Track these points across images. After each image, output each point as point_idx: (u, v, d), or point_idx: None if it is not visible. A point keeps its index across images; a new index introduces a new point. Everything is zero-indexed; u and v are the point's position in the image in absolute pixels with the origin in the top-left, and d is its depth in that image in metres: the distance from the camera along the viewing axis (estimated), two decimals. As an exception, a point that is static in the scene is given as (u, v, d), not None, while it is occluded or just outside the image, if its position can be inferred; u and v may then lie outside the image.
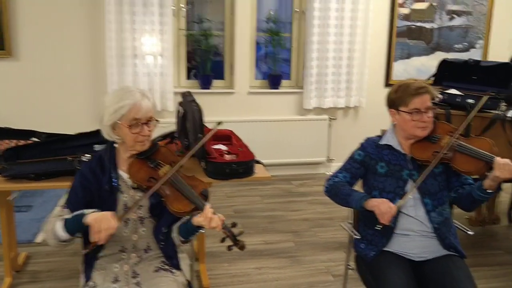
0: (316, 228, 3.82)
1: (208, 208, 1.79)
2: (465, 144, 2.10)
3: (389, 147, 2.22)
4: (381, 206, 2.02)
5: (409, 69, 5.16)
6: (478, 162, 2.04)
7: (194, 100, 2.63)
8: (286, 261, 3.29)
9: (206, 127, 3.23)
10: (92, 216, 1.74)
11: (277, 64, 5.03)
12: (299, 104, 5.06)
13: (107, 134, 1.94)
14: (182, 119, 2.68)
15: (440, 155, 2.09)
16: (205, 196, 1.87)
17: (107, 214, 1.75)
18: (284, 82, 5.11)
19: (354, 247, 2.29)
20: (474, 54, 5.24)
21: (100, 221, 1.72)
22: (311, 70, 4.89)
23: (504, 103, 3.16)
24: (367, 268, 2.14)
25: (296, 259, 3.32)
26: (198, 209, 1.81)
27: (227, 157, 2.65)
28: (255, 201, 4.38)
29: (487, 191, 2.03)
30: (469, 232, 2.23)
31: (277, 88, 5.02)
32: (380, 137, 2.29)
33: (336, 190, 2.22)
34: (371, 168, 2.22)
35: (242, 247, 1.74)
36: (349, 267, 2.40)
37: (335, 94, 5.02)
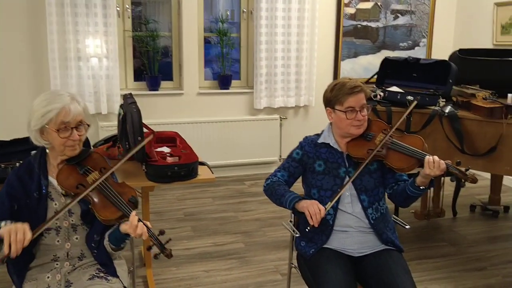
0: (266, 227, 3.82)
1: (133, 216, 1.75)
2: (398, 141, 2.15)
3: (326, 145, 2.25)
4: (310, 208, 2.04)
5: (357, 67, 5.26)
6: (410, 159, 2.09)
7: (134, 102, 2.58)
8: (235, 262, 3.28)
9: (151, 129, 3.19)
10: (5, 228, 1.66)
11: (228, 64, 5.02)
12: (249, 104, 5.06)
13: (35, 139, 1.87)
14: (122, 122, 2.63)
15: (373, 152, 2.13)
16: (133, 203, 1.83)
17: (21, 225, 1.67)
18: (234, 83, 5.10)
19: (295, 245, 2.30)
20: (418, 52, 5.39)
21: (13, 233, 1.64)
22: (260, 70, 4.90)
23: (442, 100, 3.26)
24: (306, 265, 2.15)
25: (245, 259, 3.31)
26: (125, 216, 1.77)
27: (169, 159, 2.62)
28: (207, 203, 4.35)
29: (420, 187, 2.08)
30: (406, 227, 2.28)
31: (227, 89, 5.01)
32: (318, 135, 2.32)
33: (272, 189, 2.24)
34: (309, 167, 2.25)
35: (168, 255, 1.70)
36: (292, 265, 2.41)
37: (285, 93, 5.06)
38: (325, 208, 2.05)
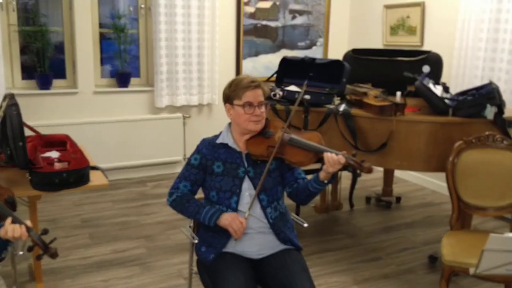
0: (169, 230, 3.72)
1: (8, 219, 1.59)
2: (296, 137, 2.17)
3: (225, 146, 2.21)
4: (233, 225, 2.05)
5: (258, 66, 5.30)
6: (308, 153, 2.12)
7: (14, 104, 2.35)
8: (137, 269, 3.14)
9: (37, 132, 2.95)
10: None
11: (126, 61, 4.81)
12: (150, 103, 4.90)
13: None
14: (2, 125, 2.39)
15: (275, 149, 2.13)
16: (10, 204, 1.67)
17: None
18: (133, 80, 4.91)
19: (196, 250, 2.24)
20: (315, 52, 5.56)
21: None
22: (161, 68, 4.76)
23: (337, 98, 3.38)
24: (206, 272, 2.10)
25: (147, 265, 3.19)
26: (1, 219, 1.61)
27: (57, 165, 2.43)
28: (106, 208, 4.14)
29: (324, 182, 2.12)
30: (304, 225, 2.31)
31: (126, 87, 4.81)
32: (217, 136, 2.27)
33: (182, 206, 2.18)
34: (208, 169, 2.20)
35: (53, 255, 1.58)
36: (193, 271, 2.35)
37: (187, 91, 4.96)
38: (245, 218, 2.08)
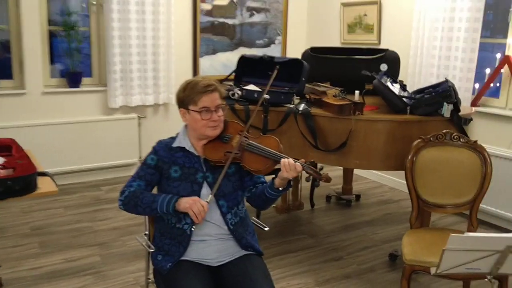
0: (125, 236, 3.58)
1: None
2: (254, 143, 2.10)
3: (182, 149, 2.11)
4: (194, 207, 1.94)
5: (215, 64, 5.20)
6: (266, 160, 2.05)
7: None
8: (91, 278, 3.00)
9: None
10: None
11: (77, 60, 4.60)
12: (103, 103, 4.72)
13: None
14: None
15: (231, 155, 2.05)
16: None
17: None
18: (85, 80, 4.71)
19: (152, 259, 2.13)
20: (274, 50, 5.52)
21: None
22: (114, 67, 4.59)
23: (296, 97, 3.33)
24: (163, 282, 2.00)
25: (102, 274, 3.05)
26: None
27: (1, 172, 2.26)
28: (57, 214, 3.94)
29: (279, 189, 2.05)
30: (265, 229, 2.25)
31: (77, 87, 4.60)
32: (173, 138, 2.17)
33: (136, 200, 2.04)
34: (165, 173, 2.09)
35: None
36: (150, 281, 2.24)
37: (142, 91, 4.81)
38: (207, 202, 1.97)
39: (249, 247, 2.13)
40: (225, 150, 2.08)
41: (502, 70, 3.88)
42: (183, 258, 2.03)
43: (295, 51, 5.37)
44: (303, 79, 3.33)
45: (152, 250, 2.07)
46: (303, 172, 2.03)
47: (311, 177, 2.04)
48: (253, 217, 2.32)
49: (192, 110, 2.05)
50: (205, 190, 2.07)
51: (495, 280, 2.31)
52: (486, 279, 1.92)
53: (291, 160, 1.99)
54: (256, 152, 2.07)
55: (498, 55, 3.92)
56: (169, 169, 2.08)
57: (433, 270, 1.97)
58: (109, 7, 4.45)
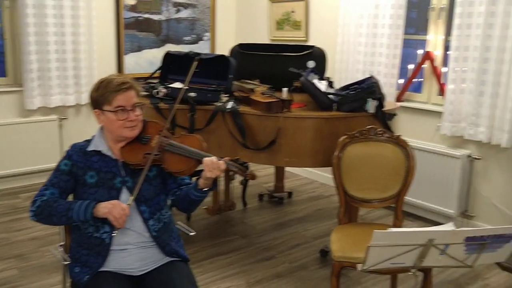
0: (45, 247, 3.33)
1: None
2: (175, 142, 1.99)
3: (98, 153, 1.97)
4: (114, 212, 1.82)
5: (141, 61, 5.01)
6: (188, 160, 1.96)
7: None
8: (5, 294, 2.77)
9: None
10: None
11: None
12: (19, 105, 4.40)
13: None
14: None
15: (151, 156, 1.94)
16: None
17: None
18: (-1, 80, 4.38)
19: (69, 271, 1.97)
20: (202, 46, 5.40)
21: None
22: (30, 66, 4.29)
23: (224, 95, 3.25)
24: (80, 295, 1.86)
25: (18, 289, 2.82)
26: None
27: None
28: (-31, 226, 3.63)
29: (203, 190, 1.96)
30: (190, 234, 2.16)
31: (-11, 87, 4.27)
32: (88, 142, 2.02)
33: (50, 209, 1.87)
34: (80, 179, 1.94)
35: None
36: (66, 295, 2.08)
37: (62, 91, 4.53)
38: (128, 205, 1.86)
39: (174, 254, 2.03)
40: (145, 152, 1.97)
41: (424, 66, 4.00)
42: (102, 269, 1.90)
43: (224, 47, 5.27)
44: (230, 76, 3.26)
45: (67, 262, 1.91)
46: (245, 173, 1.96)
47: (236, 175, 1.98)
48: (178, 222, 2.22)
49: (107, 111, 1.92)
50: (125, 196, 1.94)
51: (420, 273, 2.36)
52: (411, 273, 1.94)
53: (214, 159, 1.91)
54: (178, 152, 1.97)
55: (421, 51, 4.05)
56: (85, 175, 1.94)
57: (359, 267, 1.96)
58: (23, 2, 4.15)
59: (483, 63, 3.45)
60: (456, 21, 3.55)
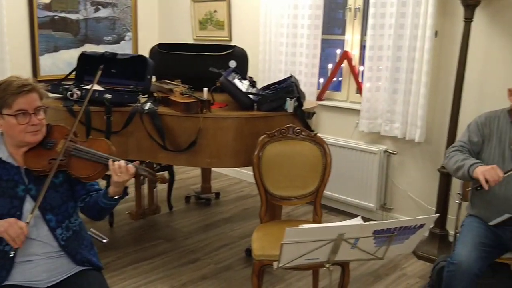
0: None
1: None
2: (82, 147, 1.91)
3: (-2, 160, 1.85)
4: (10, 231, 1.70)
5: (58, 62, 4.78)
6: (96, 165, 1.88)
7: None
8: None
9: None
10: None
11: None
12: None
13: None
14: None
15: (56, 162, 1.84)
16: None
17: None
18: None
19: (-33, 288, 1.84)
20: (124, 46, 5.26)
21: None
22: None
23: (143, 96, 3.17)
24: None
25: None
26: None
27: None
28: None
29: (114, 198, 1.89)
30: (103, 241, 2.09)
31: None
32: (-12, 149, 1.89)
33: None
34: (-22, 189, 1.81)
35: None
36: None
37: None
38: (27, 224, 1.74)
39: (86, 262, 1.95)
40: (50, 157, 1.87)
41: (342, 65, 4.12)
42: (6, 283, 1.80)
43: (147, 48, 5.13)
44: (148, 76, 3.19)
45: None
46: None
47: (146, 179, 1.93)
48: (91, 229, 2.13)
49: (7, 115, 1.80)
50: (28, 205, 1.84)
51: (335, 267, 2.42)
52: (325, 267, 1.97)
53: (122, 163, 1.85)
54: (85, 157, 1.89)
55: (339, 51, 4.16)
56: (-17, 185, 1.81)
57: (275, 264, 1.98)
58: None
59: (396, 62, 3.61)
60: (370, 21, 3.68)
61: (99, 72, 2.11)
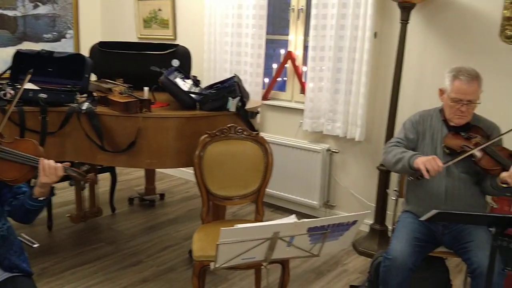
0: None
1: None
2: (7, 148, 1.83)
3: None
4: None
5: (-6, 61, 4.58)
6: (22, 167, 1.81)
7: None
8: None
9: None
10: None
11: None
12: None
13: None
14: None
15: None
16: None
17: None
18: None
19: None
20: (65, 44, 5.09)
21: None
22: None
23: (81, 96, 3.08)
24: None
25: None
26: None
27: None
28: None
29: (40, 199, 1.82)
30: (34, 246, 2.00)
31: None
32: None
33: None
34: None
35: None
36: None
37: None
38: None
39: (14, 268, 1.87)
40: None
41: (286, 65, 4.16)
42: None
43: (89, 46, 5.02)
44: (86, 75, 3.09)
45: None
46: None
47: (75, 180, 1.88)
48: (21, 234, 2.04)
49: None
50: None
51: (279, 264, 2.45)
52: (263, 266, 1.98)
53: (51, 163, 1.78)
54: (10, 158, 1.81)
55: (283, 51, 4.20)
56: None
57: (212, 265, 1.96)
58: None
59: (337, 62, 3.68)
60: (312, 22, 3.74)
61: (28, 76, 2.04)
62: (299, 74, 4.09)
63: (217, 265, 1.89)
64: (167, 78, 3.01)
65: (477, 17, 3.18)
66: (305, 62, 4.05)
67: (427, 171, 2.27)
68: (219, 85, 3.26)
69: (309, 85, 3.85)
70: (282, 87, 4.37)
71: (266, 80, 4.31)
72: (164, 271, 3.10)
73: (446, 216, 2.13)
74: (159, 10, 4.83)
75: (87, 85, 3.12)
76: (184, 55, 3.55)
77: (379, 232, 3.49)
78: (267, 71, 4.30)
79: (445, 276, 2.68)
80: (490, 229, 1.88)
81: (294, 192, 4.04)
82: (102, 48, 3.62)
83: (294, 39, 4.09)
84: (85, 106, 2.91)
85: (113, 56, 3.58)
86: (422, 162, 2.30)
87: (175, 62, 3.34)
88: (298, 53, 4.10)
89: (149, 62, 3.39)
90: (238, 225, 1.79)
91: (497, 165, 2.29)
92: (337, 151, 3.88)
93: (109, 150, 2.87)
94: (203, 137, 2.75)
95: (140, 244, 3.46)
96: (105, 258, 3.24)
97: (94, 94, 3.16)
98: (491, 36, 3.14)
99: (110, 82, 3.25)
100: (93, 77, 3.61)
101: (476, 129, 2.46)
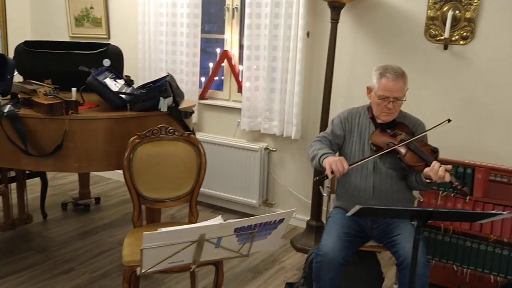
0: None
1: None
2: None
3: None
4: None
5: None
6: None
7: None
8: None
9: None
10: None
11: None
12: None
13: None
14: None
15: None
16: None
17: None
18: None
19: None
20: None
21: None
22: None
23: (2, 98, 2.92)
24: None
25: None
26: None
27: None
28: None
29: None
30: None
31: None
32: None
33: None
34: None
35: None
36: None
37: None
38: None
39: None
40: None
41: (223, 65, 4.13)
42: None
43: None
44: (9, 76, 2.94)
45: None
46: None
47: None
48: None
49: None
50: None
51: (213, 266, 2.42)
52: (191, 269, 1.95)
53: None
54: None
55: (218, 50, 4.17)
56: None
57: (138, 270, 1.91)
58: None
59: (272, 62, 3.70)
60: (247, 21, 3.73)
61: None
62: (235, 73, 4.07)
63: (142, 271, 1.85)
64: (94, 78, 2.91)
65: (404, 17, 3.28)
66: (241, 61, 4.04)
67: (332, 172, 2.30)
68: (151, 84, 3.20)
69: (245, 84, 3.84)
70: (220, 86, 4.35)
71: (203, 79, 4.26)
72: (97, 278, 3.00)
73: (370, 211, 2.18)
74: (91, 8, 4.68)
75: (9, 86, 2.96)
76: (115, 55, 3.45)
77: (316, 229, 3.54)
78: (204, 70, 4.26)
79: (376, 269, 2.75)
80: (412, 222, 1.94)
81: (233, 191, 4.03)
82: (28, 48, 3.46)
83: (230, 38, 4.07)
84: (7, 108, 2.76)
85: (39, 56, 3.42)
86: (329, 162, 2.33)
87: (106, 62, 3.25)
88: (234, 52, 4.09)
89: (78, 62, 3.27)
90: (162, 228, 1.75)
91: (420, 162, 2.36)
92: (274, 149, 3.90)
93: (34, 154, 2.74)
94: (132, 138, 2.67)
95: (73, 251, 3.33)
96: (35, 266, 3.09)
97: (19, 96, 3.01)
98: (416, 35, 3.25)
99: (35, 83, 3.11)
100: (20, 78, 3.46)
101: (402, 126, 2.54)
